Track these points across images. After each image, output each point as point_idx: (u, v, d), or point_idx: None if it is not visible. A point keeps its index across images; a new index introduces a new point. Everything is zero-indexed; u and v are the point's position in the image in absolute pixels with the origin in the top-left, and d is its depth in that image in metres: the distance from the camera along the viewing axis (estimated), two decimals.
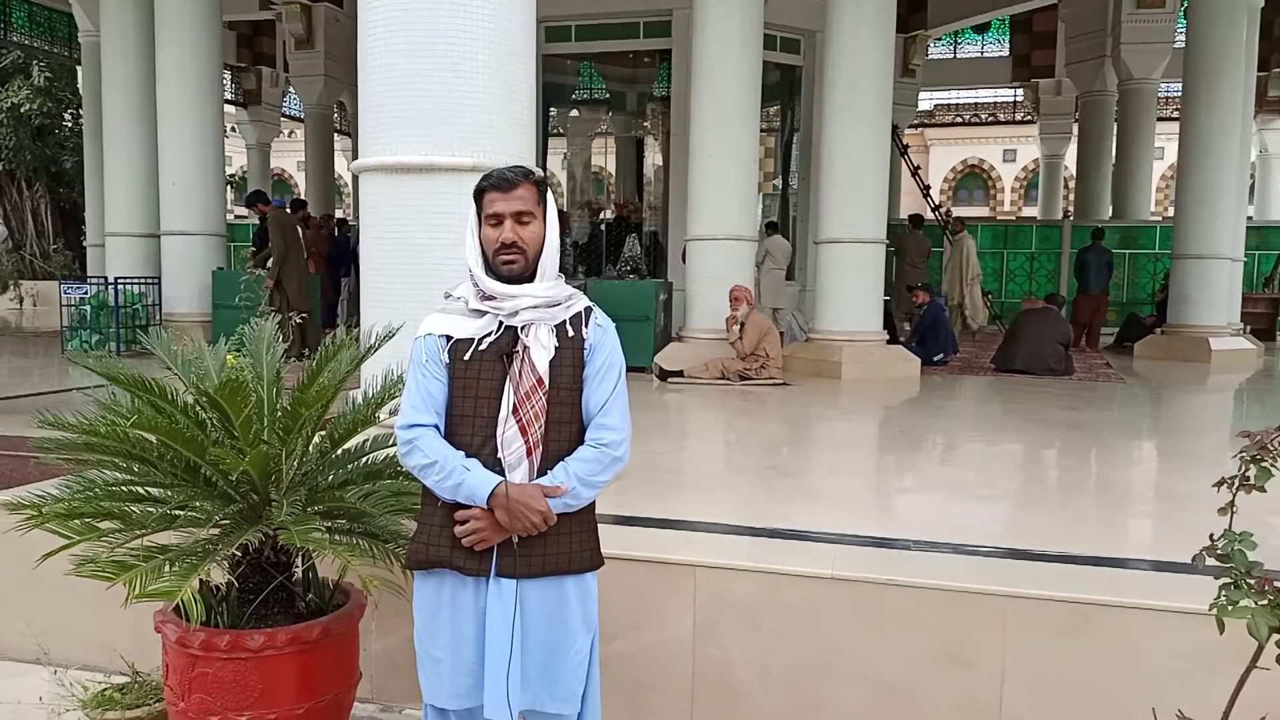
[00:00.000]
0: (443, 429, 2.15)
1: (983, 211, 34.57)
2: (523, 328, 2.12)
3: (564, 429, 2.14)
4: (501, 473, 2.09)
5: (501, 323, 2.13)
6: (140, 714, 2.85)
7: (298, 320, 3.02)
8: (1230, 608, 1.75)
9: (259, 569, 2.59)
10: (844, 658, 2.94)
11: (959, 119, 35.41)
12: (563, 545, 2.14)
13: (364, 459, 2.77)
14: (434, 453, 2.09)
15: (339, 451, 2.62)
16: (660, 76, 17.27)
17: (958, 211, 26.23)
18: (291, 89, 21.23)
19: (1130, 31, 16.19)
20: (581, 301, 2.21)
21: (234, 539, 2.30)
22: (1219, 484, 1.83)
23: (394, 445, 2.87)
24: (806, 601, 2.97)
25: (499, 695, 2.08)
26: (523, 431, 2.10)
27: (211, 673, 2.44)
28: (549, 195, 2.20)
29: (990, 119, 34.16)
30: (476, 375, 2.12)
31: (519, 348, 2.12)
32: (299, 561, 2.71)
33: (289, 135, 25.87)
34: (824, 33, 9.29)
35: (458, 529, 2.09)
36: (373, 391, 2.77)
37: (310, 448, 2.64)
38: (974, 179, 37.45)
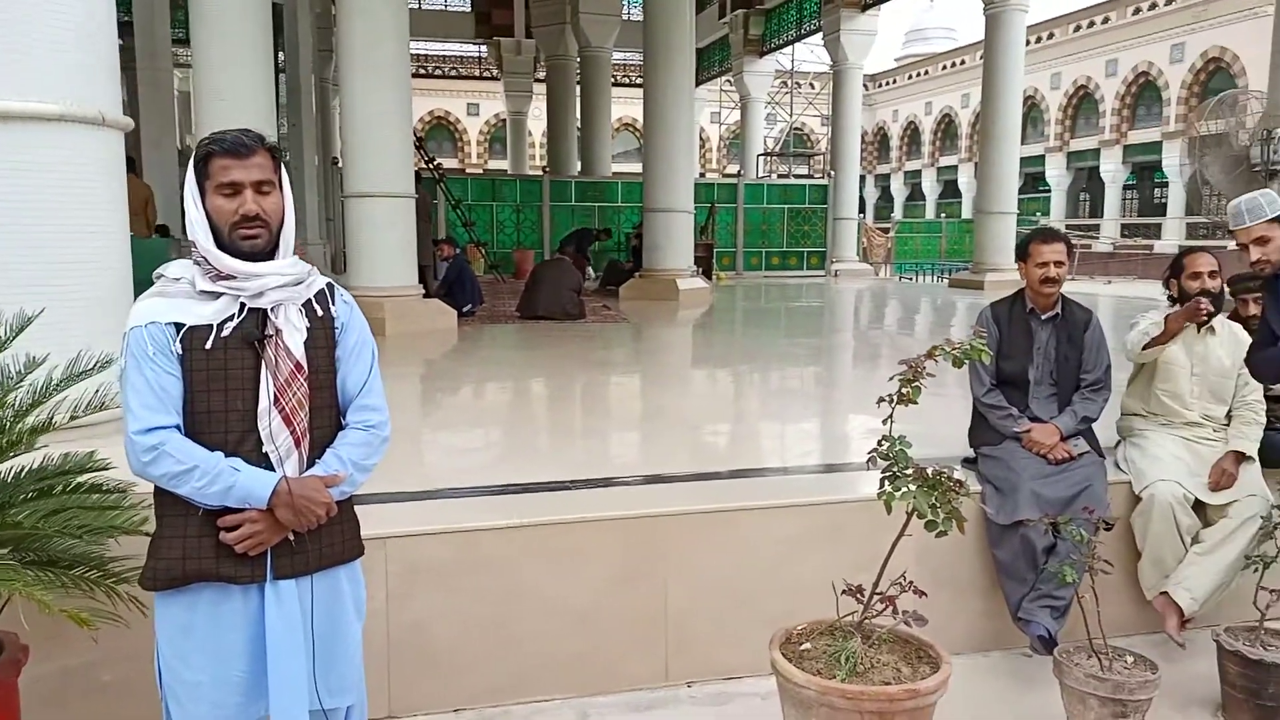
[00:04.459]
0: (183, 428, 1.91)
1: (453, 163, 35.80)
2: (271, 309, 1.96)
3: (325, 414, 2.05)
4: (267, 468, 1.93)
5: (244, 305, 1.94)
6: None
7: None
8: (896, 494, 2.33)
9: None
10: (534, 596, 3.16)
11: (422, 70, 36.08)
12: (335, 535, 2.06)
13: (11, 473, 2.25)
14: (189, 457, 1.86)
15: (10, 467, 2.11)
16: None
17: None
18: None
19: (586, 2, 18.02)
20: (320, 278, 2.10)
21: None
22: (880, 401, 2.40)
23: (24, 451, 2.39)
24: (498, 552, 3.12)
25: (298, 700, 1.95)
26: (287, 421, 1.96)
27: None
28: (282, 163, 2.04)
29: (454, 72, 35.37)
30: (222, 365, 1.92)
31: (270, 331, 1.95)
32: None
33: None
34: None
35: (227, 535, 1.90)
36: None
37: None
38: (441, 130, 38.54)
